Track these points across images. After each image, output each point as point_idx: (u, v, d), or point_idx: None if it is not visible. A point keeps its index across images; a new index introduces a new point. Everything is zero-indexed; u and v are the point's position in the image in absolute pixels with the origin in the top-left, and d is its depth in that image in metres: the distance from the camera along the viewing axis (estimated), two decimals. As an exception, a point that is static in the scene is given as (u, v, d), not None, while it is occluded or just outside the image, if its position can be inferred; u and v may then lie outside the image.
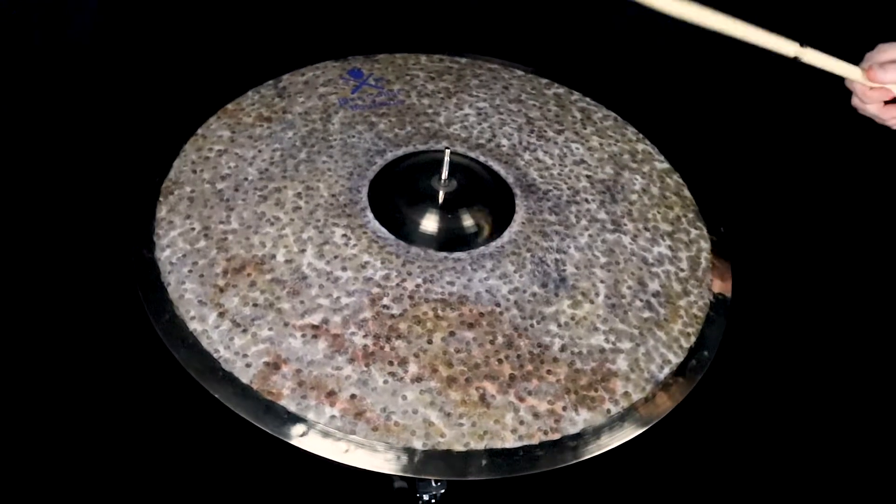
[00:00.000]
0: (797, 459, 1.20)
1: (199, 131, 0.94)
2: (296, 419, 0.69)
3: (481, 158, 0.94)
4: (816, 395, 1.24)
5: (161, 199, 0.85)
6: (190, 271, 0.78)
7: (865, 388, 1.22)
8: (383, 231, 0.83)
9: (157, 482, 1.09)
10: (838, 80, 0.74)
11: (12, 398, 1.10)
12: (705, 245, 0.90)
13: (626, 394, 0.74)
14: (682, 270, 0.86)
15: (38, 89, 1.13)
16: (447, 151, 0.85)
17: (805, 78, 1.29)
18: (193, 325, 0.74)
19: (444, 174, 0.86)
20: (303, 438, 0.68)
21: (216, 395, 0.70)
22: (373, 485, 0.99)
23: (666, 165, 0.99)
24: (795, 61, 0.70)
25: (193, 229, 0.82)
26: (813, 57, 0.71)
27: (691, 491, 1.17)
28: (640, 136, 1.03)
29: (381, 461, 0.67)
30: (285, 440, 0.68)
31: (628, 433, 0.72)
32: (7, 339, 1.12)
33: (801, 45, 0.70)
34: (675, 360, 0.78)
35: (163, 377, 0.92)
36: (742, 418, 1.22)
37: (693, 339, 0.80)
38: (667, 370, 0.77)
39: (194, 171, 0.89)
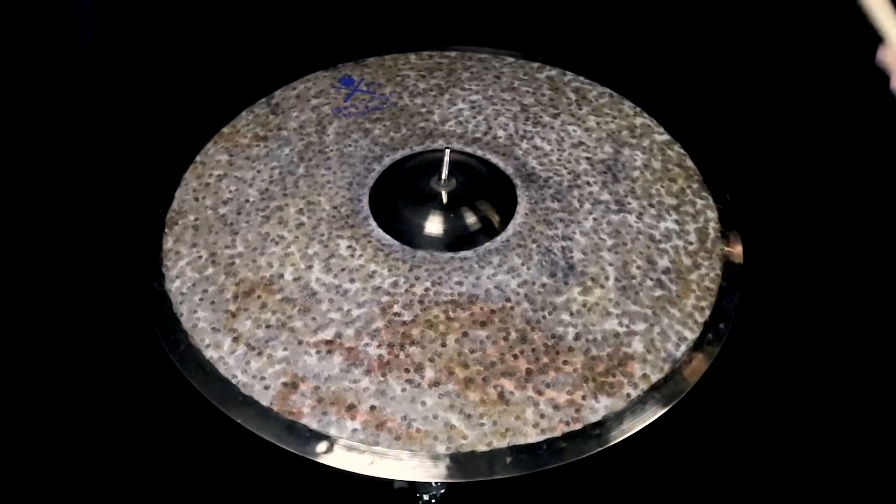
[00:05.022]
0: (819, 426, 1.18)
1: (198, 158, 0.95)
2: (318, 437, 0.69)
3: (478, 152, 0.94)
4: (836, 363, 1.22)
5: (166, 230, 0.86)
6: (201, 299, 0.79)
7: (884, 352, 1.20)
8: (388, 238, 0.84)
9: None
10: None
11: (33, 438, 1.11)
12: (712, 214, 0.89)
13: (644, 376, 0.74)
14: (691, 244, 0.86)
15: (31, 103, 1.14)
16: (447, 151, 0.85)
17: (806, 36, 1.27)
18: (209, 353, 0.75)
19: (444, 174, 0.86)
20: (328, 455, 0.69)
21: (238, 420, 0.71)
22: (373, 484, 0.99)
23: (666, 137, 0.98)
24: None
25: (200, 257, 0.83)
26: None
27: (716, 468, 1.16)
28: (638, 109, 1.02)
29: (407, 470, 0.68)
30: (311, 458, 0.69)
31: (651, 415, 0.72)
32: (26, 382, 1.14)
33: None
34: (691, 336, 0.78)
35: (183, 406, 0.93)
36: (762, 389, 1.20)
37: (707, 312, 0.80)
38: (683, 347, 0.77)
39: (196, 199, 0.89)
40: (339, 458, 0.68)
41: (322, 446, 0.69)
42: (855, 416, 1.17)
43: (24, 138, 1.15)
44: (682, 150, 0.97)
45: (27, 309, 1.17)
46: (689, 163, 0.95)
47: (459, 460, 0.68)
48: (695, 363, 0.76)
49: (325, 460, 0.68)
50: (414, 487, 0.91)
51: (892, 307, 1.23)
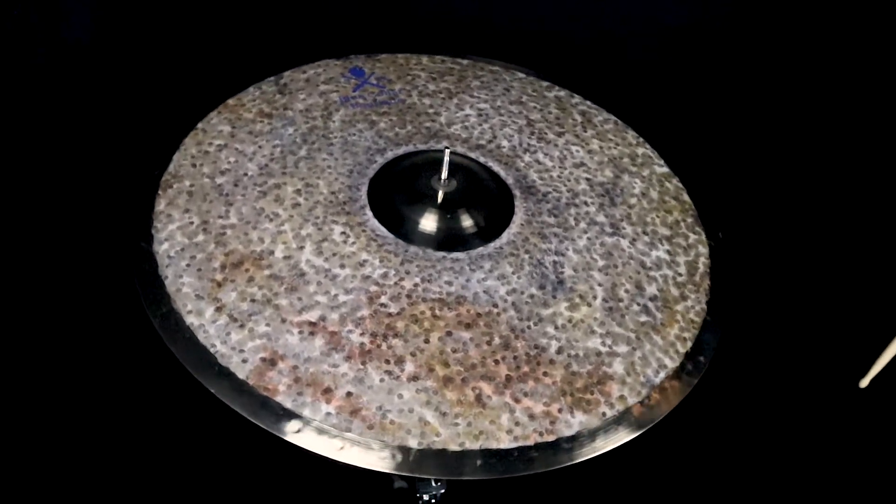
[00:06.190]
0: (790, 466, 1.20)
1: (200, 125, 0.94)
2: (291, 415, 0.68)
3: (481, 159, 0.94)
4: (813, 404, 1.24)
5: (160, 192, 0.85)
6: (188, 265, 0.78)
7: (867, 396, 1.22)
8: (382, 230, 0.83)
9: (150, 476, 1.09)
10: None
11: (8, 391, 1.10)
12: (703, 250, 0.90)
13: (621, 397, 0.74)
14: (680, 275, 0.86)
15: (36, 80, 1.13)
16: (447, 151, 0.85)
17: (805, 81, 1.30)
18: (190, 319, 0.74)
19: (444, 174, 0.86)
20: (298, 435, 0.68)
21: (212, 391, 0.70)
22: (372, 484, 0.99)
23: (665, 170, 0.99)
24: None
25: (192, 223, 0.82)
26: None
27: (685, 495, 1.17)
28: (641, 139, 1.03)
29: (376, 459, 0.67)
30: (280, 436, 0.68)
31: (623, 436, 0.72)
32: (3, 331, 1.12)
33: None
34: (671, 364, 0.78)
35: (159, 371, 0.92)
36: (737, 424, 1.22)
37: (689, 344, 0.80)
38: (662, 374, 0.77)
39: (194, 166, 0.88)
40: (310, 440, 0.68)
41: (294, 426, 0.68)
42: (830, 454, 1.19)
43: (34, 99, 1.13)
44: (679, 184, 0.98)
45: (14, 256, 1.15)
46: (686, 197, 0.96)
47: (429, 456, 0.68)
48: (671, 392, 0.76)
49: (296, 440, 0.68)
50: (414, 487, 0.90)
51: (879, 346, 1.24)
